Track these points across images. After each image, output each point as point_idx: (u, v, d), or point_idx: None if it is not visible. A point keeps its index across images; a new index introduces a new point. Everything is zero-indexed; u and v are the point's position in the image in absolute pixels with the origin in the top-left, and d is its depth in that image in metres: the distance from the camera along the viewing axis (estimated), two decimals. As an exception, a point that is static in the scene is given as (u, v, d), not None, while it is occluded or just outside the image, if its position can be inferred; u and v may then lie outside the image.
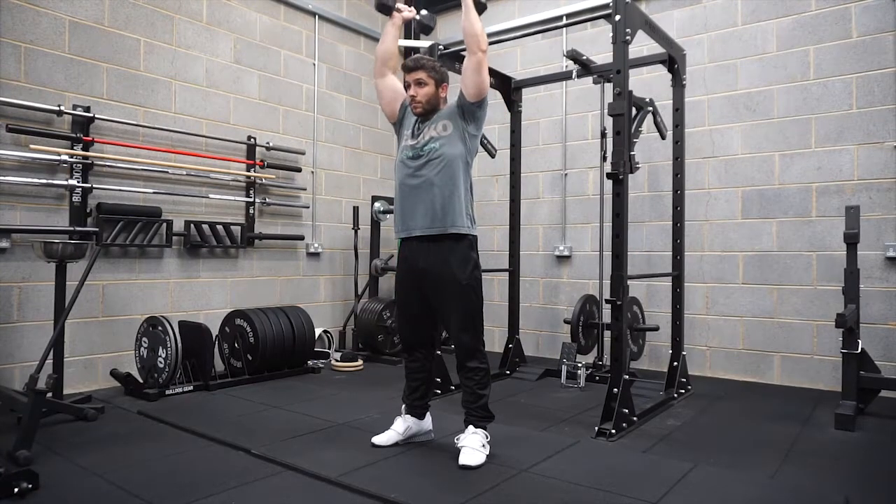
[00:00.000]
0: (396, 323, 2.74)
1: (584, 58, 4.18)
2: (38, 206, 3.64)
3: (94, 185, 3.81)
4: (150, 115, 4.19)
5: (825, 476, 2.51)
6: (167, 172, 4.23)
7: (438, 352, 3.20)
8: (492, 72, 4.51)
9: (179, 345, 3.61)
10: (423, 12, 2.90)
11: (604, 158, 4.36)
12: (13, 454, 2.48)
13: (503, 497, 2.22)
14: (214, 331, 4.20)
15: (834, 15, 4.11)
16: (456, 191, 2.61)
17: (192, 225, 4.32)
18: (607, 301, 3.24)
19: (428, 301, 2.71)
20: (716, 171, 4.55)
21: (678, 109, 4.01)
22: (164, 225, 4.14)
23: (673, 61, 3.95)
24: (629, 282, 3.24)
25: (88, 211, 3.81)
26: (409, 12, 2.82)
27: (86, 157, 3.76)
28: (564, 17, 5.13)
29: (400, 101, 2.82)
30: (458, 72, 4.18)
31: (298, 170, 5.12)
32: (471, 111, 2.65)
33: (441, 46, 4.01)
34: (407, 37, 6.24)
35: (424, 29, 2.94)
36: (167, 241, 4.16)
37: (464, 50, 4.17)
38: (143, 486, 2.30)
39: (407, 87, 2.72)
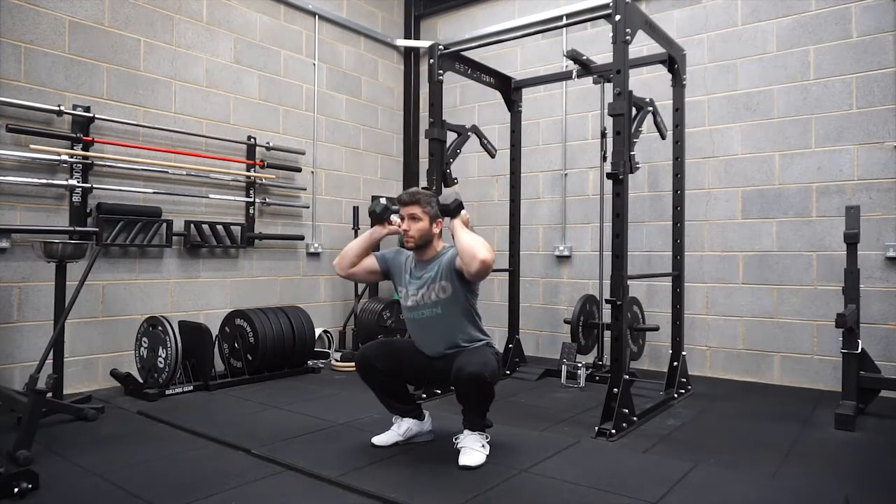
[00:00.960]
0: (377, 352, 2.73)
1: (584, 58, 4.18)
2: (38, 206, 3.64)
3: (94, 185, 3.81)
4: (150, 115, 4.19)
5: (825, 476, 2.51)
6: (167, 172, 4.23)
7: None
8: (492, 72, 4.52)
9: (179, 345, 3.61)
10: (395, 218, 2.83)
11: (604, 158, 4.36)
12: (13, 454, 2.48)
13: (503, 497, 2.22)
14: (214, 331, 4.20)
15: (834, 15, 4.11)
16: (463, 329, 2.66)
17: (192, 225, 4.32)
18: (607, 301, 3.24)
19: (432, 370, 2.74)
20: (716, 171, 4.55)
21: (678, 109, 4.01)
22: (164, 225, 4.14)
23: (673, 61, 3.95)
24: (629, 282, 3.24)
25: (88, 211, 3.81)
26: (396, 227, 2.77)
27: (86, 157, 3.76)
28: (564, 17, 5.12)
29: (377, 266, 2.81)
30: (458, 71, 4.21)
31: (298, 170, 5.12)
32: (471, 283, 2.65)
33: (441, 46, 4.01)
34: (407, 36, 6.26)
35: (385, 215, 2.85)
36: (167, 241, 4.16)
37: (464, 50, 4.20)
38: (143, 486, 2.30)
39: (401, 219, 2.71)
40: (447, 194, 2.67)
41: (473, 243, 2.46)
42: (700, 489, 2.30)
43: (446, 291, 2.63)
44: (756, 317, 4.36)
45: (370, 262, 2.81)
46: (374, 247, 2.83)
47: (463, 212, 2.62)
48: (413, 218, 2.67)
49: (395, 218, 2.80)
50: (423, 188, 3.61)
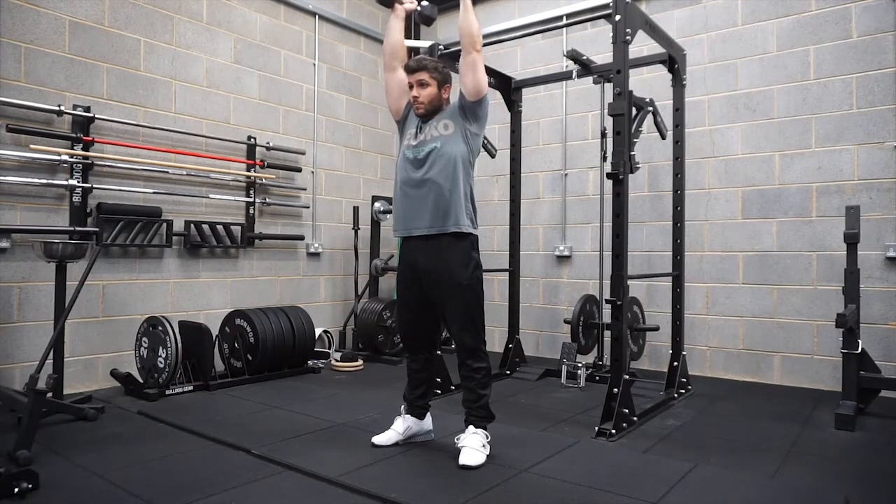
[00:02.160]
0: (397, 322, 2.75)
1: (584, 58, 4.18)
2: (38, 206, 3.64)
3: (94, 185, 3.81)
4: (150, 115, 4.19)
5: (825, 476, 2.51)
6: (167, 172, 4.23)
7: (439, 352, 3.20)
8: (492, 72, 4.51)
9: (179, 345, 3.61)
10: (424, 3, 2.88)
11: (604, 158, 4.36)
12: (13, 454, 2.48)
13: (503, 497, 2.22)
14: (214, 331, 4.20)
15: (834, 15, 4.11)
16: (456, 190, 2.61)
17: (192, 225, 4.32)
18: (607, 301, 3.24)
19: (428, 300, 2.71)
20: (716, 171, 4.55)
21: (678, 109, 4.01)
22: (164, 225, 4.14)
23: (673, 61, 3.95)
24: (629, 282, 3.24)
25: (88, 211, 3.81)
26: (410, 4, 2.81)
27: (86, 157, 3.76)
28: (564, 17, 5.13)
29: (406, 98, 2.80)
30: (458, 71, 4.21)
31: (298, 170, 5.12)
32: (471, 110, 2.65)
33: (441, 46, 4.01)
34: (407, 35, 6.25)
35: (426, 21, 2.92)
36: (167, 241, 4.16)
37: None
38: (143, 486, 2.30)
39: (409, 87, 2.72)
40: None
41: (477, 29, 2.59)
42: (700, 489, 2.30)
43: (448, 128, 2.64)
44: (756, 317, 4.36)
45: (405, 79, 2.76)
46: (402, 30, 2.81)
47: None
48: (421, 84, 2.67)
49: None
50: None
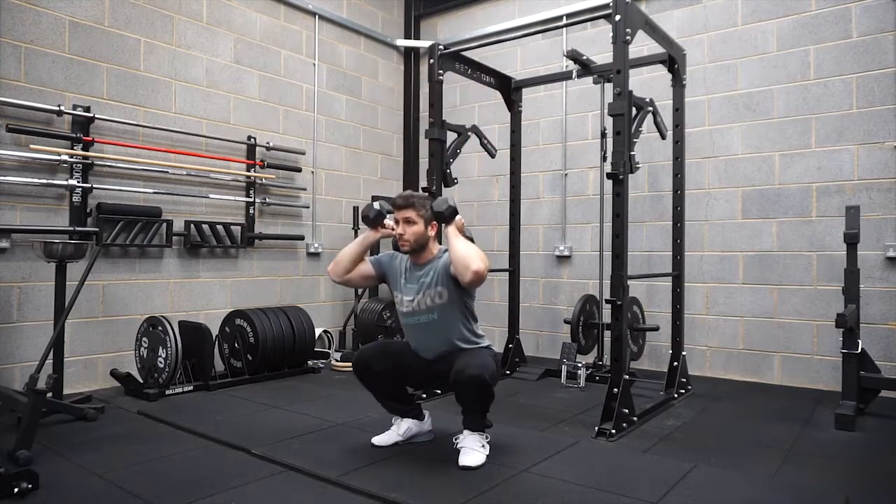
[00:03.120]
0: (368, 352, 2.73)
1: (584, 58, 4.18)
2: (38, 206, 3.64)
3: (94, 185, 3.81)
4: (150, 115, 4.19)
5: (825, 476, 2.51)
6: (167, 172, 4.23)
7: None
8: (492, 72, 4.52)
9: (179, 345, 3.61)
10: (381, 202, 2.85)
11: (604, 158, 4.36)
12: (13, 454, 2.48)
13: (503, 497, 2.22)
14: (214, 331, 4.20)
15: (834, 15, 4.11)
16: (462, 332, 2.66)
17: (192, 225, 4.32)
18: (607, 301, 3.24)
19: (429, 370, 2.73)
20: (716, 171, 4.55)
21: (678, 109, 4.01)
22: (164, 225, 4.14)
23: (673, 61, 3.95)
24: (629, 282, 3.24)
25: (88, 211, 3.81)
26: (389, 231, 2.76)
27: (86, 157, 3.76)
28: (564, 17, 5.12)
29: (373, 271, 2.80)
30: (458, 71, 4.22)
31: (298, 170, 5.12)
32: (467, 289, 2.63)
33: (441, 46, 4.01)
34: (407, 36, 6.26)
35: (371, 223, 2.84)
36: (167, 241, 4.16)
37: (464, 50, 4.20)
38: (143, 486, 2.30)
39: (396, 223, 2.69)
40: (440, 201, 2.63)
41: (467, 253, 2.46)
42: (700, 489, 2.30)
43: (442, 297, 2.62)
44: (756, 317, 4.36)
45: (365, 267, 2.79)
46: (367, 251, 2.81)
47: (458, 217, 2.61)
48: (408, 222, 2.64)
49: (388, 220, 2.78)
50: (422, 189, 3.57)
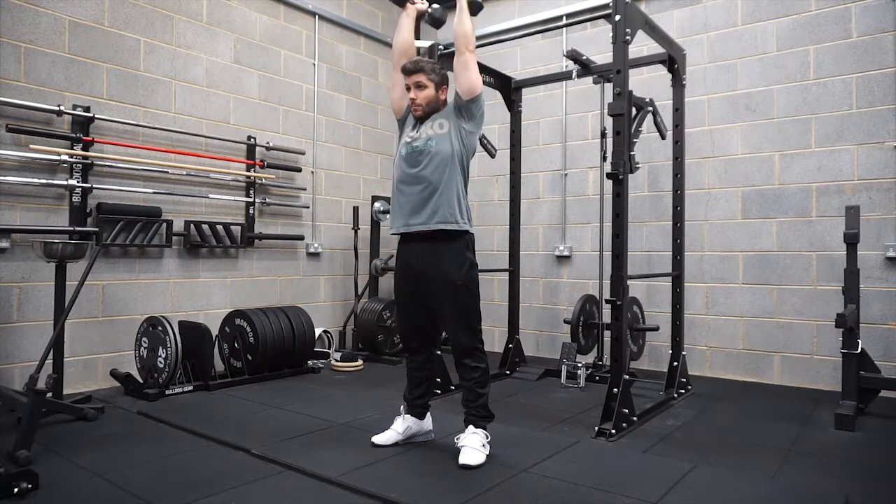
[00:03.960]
0: (397, 322, 2.75)
1: (584, 58, 4.19)
2: (38, 206, 3.64)
3: (94, 185, 3.81)
4: (150, 115, 4.19)
5: (825, 476, 2.51)
6: (167, 172, 4.23)
7: (438, 352, 3.20)
8: (492, 72, 4.52)
9: (179, 345, 3.61)
10: (435, 6, 2.92)
11: (604, 158, 4.36)
12: (13, 454, 2.48)
13: (503, 497, 2.22)
14: (214, 331, 4.20)
15: (834, 15, 4.11)
16: (449, 188, 2.62)
17: (192, 225, 4.32)
18: (607, 301, 3.24)
19: (424, 301, 2.71)
20: (716, 171, 4.55)
21: (678, 109, 4.01)
22: (164, 225, 4.13)
23: (673, 61, 3.95)
24: (629, 282, 3.24)
25: (88, 211, 3.81)
26: (422, 4, 2.86)
27: (86, 157, 3.76)
28: (564, 17, 5.13)
29: (403, 90, 2.81)
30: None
31: (298, 170, 5.12)
32: (466, 108, 2.67)
33: (441, 46, 4.01)
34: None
35: (435, 23, 2.99)
36: (167, 241, 4.16)
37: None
38: (143, 486, 2.30)
39: (407, 89, 2.72)
40: None
41: (471, 30, 2.64)
42: (700, 489, 2.30)
43: (444, 127, 2.66)
44: (756, 317, 4.36)
45: (401, 82, 2.78)
46: (412, 29, 2.87)
47: None
48: (419, 86, 2.68)
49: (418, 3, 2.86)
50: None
